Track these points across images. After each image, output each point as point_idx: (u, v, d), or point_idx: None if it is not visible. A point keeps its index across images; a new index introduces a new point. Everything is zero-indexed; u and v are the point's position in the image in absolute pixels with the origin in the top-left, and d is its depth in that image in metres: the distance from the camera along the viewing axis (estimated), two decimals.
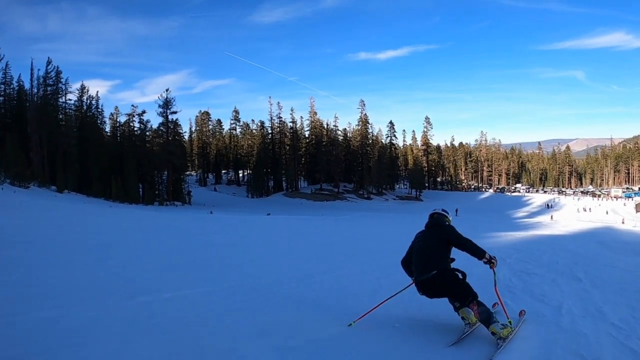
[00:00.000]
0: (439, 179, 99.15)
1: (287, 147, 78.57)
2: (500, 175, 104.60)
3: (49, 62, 51.15)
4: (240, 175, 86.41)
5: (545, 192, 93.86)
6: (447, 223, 4.34)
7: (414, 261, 4.25)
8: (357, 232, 20.58)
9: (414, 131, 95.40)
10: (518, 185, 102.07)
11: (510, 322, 3.96)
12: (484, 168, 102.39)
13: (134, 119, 63.90)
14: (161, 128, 60.70)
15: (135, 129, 63.18)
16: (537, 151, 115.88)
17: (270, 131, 79.59)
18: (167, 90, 61.53)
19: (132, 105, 69.51)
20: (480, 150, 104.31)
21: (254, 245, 12.71)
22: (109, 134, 66.60)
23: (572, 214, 53.64)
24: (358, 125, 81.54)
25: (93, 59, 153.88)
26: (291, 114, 79.97)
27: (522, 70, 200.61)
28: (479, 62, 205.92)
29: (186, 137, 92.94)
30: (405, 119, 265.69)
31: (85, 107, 58.97)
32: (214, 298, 5.25)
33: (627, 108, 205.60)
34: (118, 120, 70.46)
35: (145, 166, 56.48)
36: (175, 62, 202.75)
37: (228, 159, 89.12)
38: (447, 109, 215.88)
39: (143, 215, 22.48)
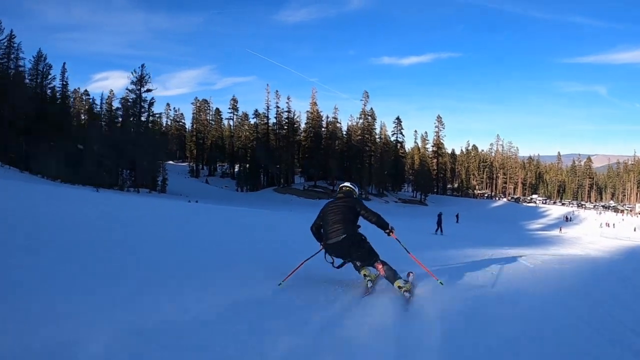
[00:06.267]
0: (450, 186, 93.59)
1: (281, 140, 73.54)
2: (516, 184, 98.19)
3: None
4: (236, 168, 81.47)
5: (563, 204, 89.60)
6: (354, 196, 4.77)
7: (325, 227, 4.54)
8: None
9: (426, 132, 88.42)
10: (534, 196, 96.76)
11: (441, 283, 4.45)
12: (499, 175, 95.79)
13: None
14: (133, 107, 55.00)
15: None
16: (556, 162, 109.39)
17: (265, 121, 74.42)
18: (142, 65, 56.06)
19: (127, 89, 64.67)
20: (495, 157, 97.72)
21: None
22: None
23: (594, 229, 48.54)
24: (360, 118, 75.36)
25: (116, 50, 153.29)
26: (287, 102, 74.15)
27: (542, 82, 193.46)
28: (501, 72, 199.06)
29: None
30: (423, 126, 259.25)
31: (40, 78, 53.55)
32: None
33: None
34: (112, 103, 66.23)
35: (108, 147, 50.90)
36: (198, 57, 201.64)
37: (224, 150, 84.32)
38: (465, 117, 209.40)
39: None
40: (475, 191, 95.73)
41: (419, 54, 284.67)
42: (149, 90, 55.81)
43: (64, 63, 58.51)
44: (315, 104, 74.53)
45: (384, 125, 79.90)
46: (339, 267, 4.57)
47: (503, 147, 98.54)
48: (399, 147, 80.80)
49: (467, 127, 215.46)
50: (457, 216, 41.52)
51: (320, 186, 68.94)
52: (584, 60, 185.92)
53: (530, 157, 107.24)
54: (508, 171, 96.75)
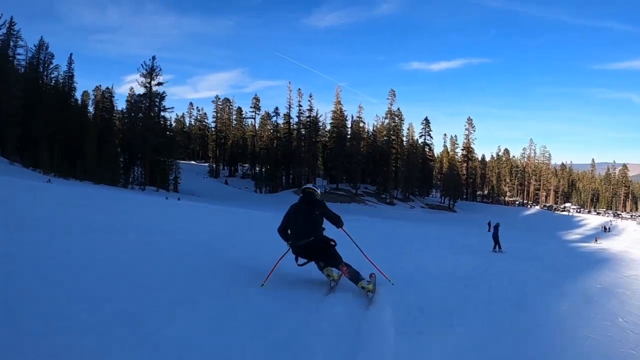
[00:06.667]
0: (480, 192, 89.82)
1: (303, 140, 71.26)
2: (548, 192, 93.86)
3: None
4: (258, 169, 79.20)
5: (598, 213, 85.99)
6: (317, 198, 4.99)
7: (293, 229, 4.82)
8: None
9: (455, 136, 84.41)
10: (567, 204, 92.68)
11: (392, 283, 5.06)
12: (531, 182, 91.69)
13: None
14: (143, 101, 53.13)
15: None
16: (590, 170, 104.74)
17: (287, 120, 72.31)
18: (153, 58, 54.02)
19: (145, 86, 63.27)
20: (528, 163, 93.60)
21: None
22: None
23: (636, 240, 44.86)
24: (386, 118, 72.48)
25: (148, 52, 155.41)
26: (309, 101, 71.66)
27: (575, 88, 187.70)
28: (533, 78, 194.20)
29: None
30: (453, 131, 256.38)
31: (42, 68, 51.84)
32: None
33: None
34: (132, 100, 64.71)
35: (108, 142, 49.32)
36: (230, 61, 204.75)
37: (246, 150, 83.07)
38: (496, 124, 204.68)
39: None
40: (506, 198, 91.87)
41: (449, 59, 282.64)
42: (160, 84, 54.13)
43: (71, 54, 57.03)
44: (339, 102, 71.94)
45: (412, 126, 77.06)
46: (301, 265, 4.92)
47: (536, 152, 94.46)
48: (427, 150, 77.48)
49: (498, 134, 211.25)
50: (489, 224, 38.41)
51: (342, 189, 65.96)
52: (616, 66, 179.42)
53: (563, 164, 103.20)
54: (541, 177, 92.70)
